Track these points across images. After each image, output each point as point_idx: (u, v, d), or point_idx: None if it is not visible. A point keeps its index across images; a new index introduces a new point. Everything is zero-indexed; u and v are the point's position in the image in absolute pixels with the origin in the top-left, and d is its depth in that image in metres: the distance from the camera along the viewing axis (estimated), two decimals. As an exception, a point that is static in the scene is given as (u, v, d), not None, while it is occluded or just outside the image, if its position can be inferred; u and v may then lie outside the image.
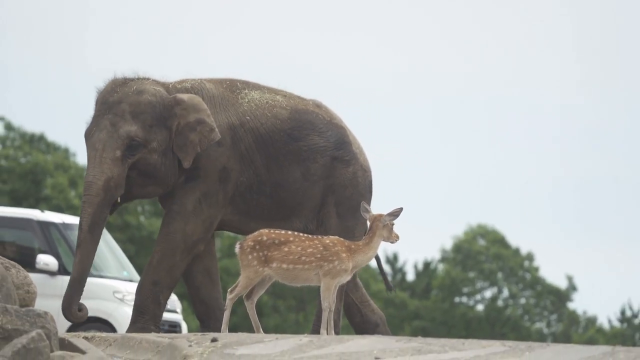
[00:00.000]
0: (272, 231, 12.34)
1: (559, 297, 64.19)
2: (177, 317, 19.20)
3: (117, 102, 13.73)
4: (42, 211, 18.75)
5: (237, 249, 12.24)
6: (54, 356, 9.56)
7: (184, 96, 13.74)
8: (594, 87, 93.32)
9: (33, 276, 17.50)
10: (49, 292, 17.46)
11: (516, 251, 64.57)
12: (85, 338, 11.33)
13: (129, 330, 13.61)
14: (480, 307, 62.66)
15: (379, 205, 12.20)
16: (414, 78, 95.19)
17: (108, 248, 19.23)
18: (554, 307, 64.14)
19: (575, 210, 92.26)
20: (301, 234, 12.25)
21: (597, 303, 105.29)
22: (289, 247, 11.98)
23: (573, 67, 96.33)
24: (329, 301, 11.93)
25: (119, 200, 13.82)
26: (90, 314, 15.78)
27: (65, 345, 10.43)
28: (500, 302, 63.26)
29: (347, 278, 12.16)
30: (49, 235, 17.98)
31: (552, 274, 72.06)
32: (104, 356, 9.89)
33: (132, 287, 18.61)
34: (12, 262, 11.03)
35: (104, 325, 17.61)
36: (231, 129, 13.96)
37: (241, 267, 12.16)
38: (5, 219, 18.90)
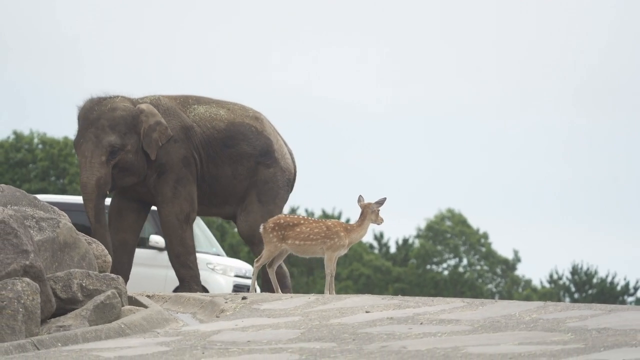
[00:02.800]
0: (287, 215, 12.49)
1: (507, 266, 64.06)
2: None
3: (97, 118, 14.26)
4: None
5: (261, 229, 12.35)
6: (124, 310, 9.62)
7: (143, 106, 14.30)
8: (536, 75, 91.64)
9: (146, 252, 17.81)
10: (158, 264, 17.64)
11: (475, 230, 64.38)
12: (148, 296, 11.39)
13: (179, 291, 13.72)
14: (446, 273, 62.43)
15: (370, 194, 12.21)
16: (392, 81, 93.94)
17: (199, 229, 19.25)
18: (503, 273, 64.02)
19: (520, 199, 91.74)
20: (309, 218, 12.36)
21: (533, 269, 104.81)
22: (301, 227, 12.08)
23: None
24: (331, 269, 12.00)
25: (107, 192, 14.21)
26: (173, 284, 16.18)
27: (133, 301, 10.46)
28: (461, 269, 63.09)
29: (344, 251, 12.26)
30: (156, 219, 18.13)
31: (502, 248, 71.62)
32: (161, 310, 9.94)
33: (220, 260, 18.84)
34: (93, 239, 11.08)
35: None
36: (184, 129, 14.42)
37: (264, 243, 12.27)
38: None
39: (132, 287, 13.02)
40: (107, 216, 14.81)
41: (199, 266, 17.54)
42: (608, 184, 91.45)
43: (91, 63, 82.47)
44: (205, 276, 17.69)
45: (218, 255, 19.58)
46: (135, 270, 16.19)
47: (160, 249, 17.62)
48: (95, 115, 14.25)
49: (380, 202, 12.05)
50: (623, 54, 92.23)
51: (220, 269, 18.34)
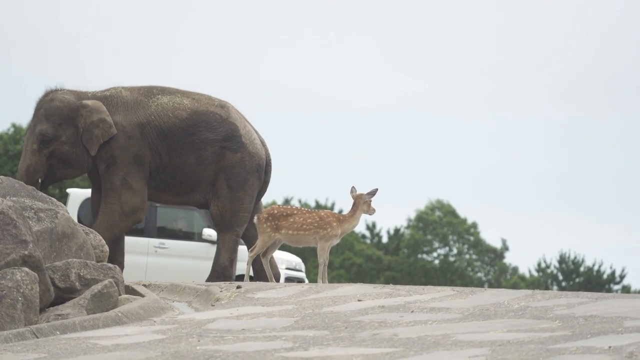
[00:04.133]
0: (281, 206, 12.49)
1: (495, 254, 64.15)
2: (302, 274, 19.20)
3: (38, 108, 14.47)
4: None
5: (255, 219, 12.35)
6: (121, 299, 9.62)
7: (89, 102, 14.25)
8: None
9: (199, 244, 17.73)
10: (210, 257, 17.63)
11: (464, 220, 64.45)
12: (144, 285, 11.39)
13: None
14: (436, 262, 62.46)
15: (362, 186, 12.22)
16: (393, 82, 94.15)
17: (251, 224, 19.29)
18: (491, 261, 64.11)
19: (508, 190, 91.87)
20: (303, 208, 12.37)
21: (522, 258, 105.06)
22: (294, 218, 12.08)
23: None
24: (323, 258, 12.01)
25: (40, 180, 14.02)
26: (241, 272, 16.18)
27: (129, 290, 10.47)
28: (451, 258, 63.15)
29: (336, 241, 12.27)
30: (208, 214, 18.14)
31: (490, 238, 71.77)
32: (158, 299, 9.95)
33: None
34: (90, 229, 11.06)
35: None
36: (140, 125, 14.34)
37: (258, 233, 12.27)
38: None
39: (186, 280, 12.99)
40: (91, 209, 14.84)
41: (244, 258, 17.51)
42: (596, 173, 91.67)
43: (91, 58, 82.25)
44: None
45: None
46: (187, 263, 16.17)
47: (212, 242, 17.61)
48: (38, 106, 14.42)
49: (372, 193, 12.06)
50: (619, 48, 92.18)
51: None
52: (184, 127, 14.38)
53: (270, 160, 15.01)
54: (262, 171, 14.75)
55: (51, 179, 14.14)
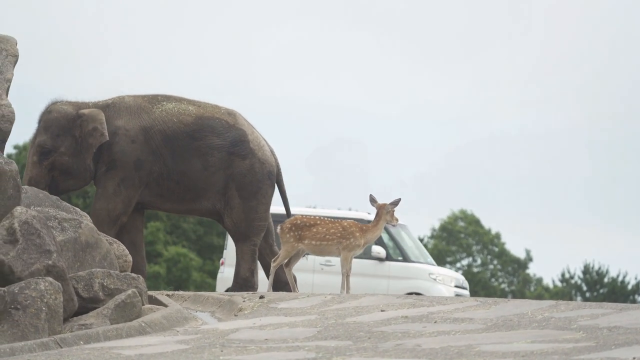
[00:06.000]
0: (304, 216, 12.46)
1: (519, 265, 63.97)
2: (467, 292, 19.13)
3: (39, 121, 14.44)
4: (369, 213, 18.71)
5: (278, 229, 12.34)
6: (145, 308, 9.64)
7: (85, 111, 14.18)
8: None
9: (367, 262, 17.66)
10: (379, 274, 17.60)
11: (488, 231, 64.32)
12: (168, 295, 11.41)
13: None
14: (460, 272, 62.44)
15: (384, 196, 12.24)
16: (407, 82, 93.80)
17: (411, 240, 19.25)
18: (514, 272, 63.92)
19: (532, 201, 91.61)
20: (326, 218, 12.34)
21: (545, 268, 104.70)
22: (317, 228, 12.07)
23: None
24: (347, 268, 12.00)
25: None
26: (411, 290, 16.11)
27: (153, 300, 10.49)
28: (474, 269, 63.02)
29: (359, 251, 12.27)
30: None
31: (514, 248, 71.51)
32: (181, 309, 9.96)
33: (440, 270, 18.79)
34: (114, 239, 11.09)
35: None
36: (143, 130, 14.22)
37: (281, 243, 12.26)
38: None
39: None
40: None
41: (420, 276, 17.49)
42: (620, 183, 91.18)
43: (87, 64, 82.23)
44: (427, 286, 17.68)
45: (435, 265, 19.56)
46: (356, 280, 16.15)
47: (381, 259, 17.61)
48: (39, 118, 14.44)
49: (395, 203, 12.04)
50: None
51: (441, 279, 18.25)
52: (189, 132, 14.28)
53: (280, 169, 14.91)
54: (274, 178, 14.61)
55: (55, 190, 13.80)
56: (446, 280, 18.30)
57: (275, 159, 14.76)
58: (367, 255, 17.77)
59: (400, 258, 17.98)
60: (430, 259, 19.39)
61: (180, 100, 14.61)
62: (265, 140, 14.77)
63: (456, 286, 18.34)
